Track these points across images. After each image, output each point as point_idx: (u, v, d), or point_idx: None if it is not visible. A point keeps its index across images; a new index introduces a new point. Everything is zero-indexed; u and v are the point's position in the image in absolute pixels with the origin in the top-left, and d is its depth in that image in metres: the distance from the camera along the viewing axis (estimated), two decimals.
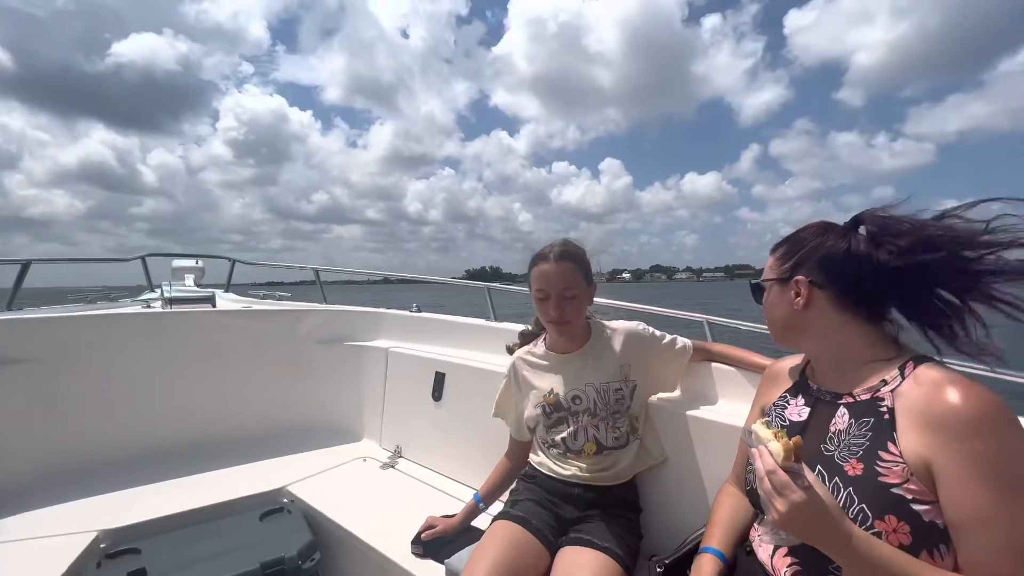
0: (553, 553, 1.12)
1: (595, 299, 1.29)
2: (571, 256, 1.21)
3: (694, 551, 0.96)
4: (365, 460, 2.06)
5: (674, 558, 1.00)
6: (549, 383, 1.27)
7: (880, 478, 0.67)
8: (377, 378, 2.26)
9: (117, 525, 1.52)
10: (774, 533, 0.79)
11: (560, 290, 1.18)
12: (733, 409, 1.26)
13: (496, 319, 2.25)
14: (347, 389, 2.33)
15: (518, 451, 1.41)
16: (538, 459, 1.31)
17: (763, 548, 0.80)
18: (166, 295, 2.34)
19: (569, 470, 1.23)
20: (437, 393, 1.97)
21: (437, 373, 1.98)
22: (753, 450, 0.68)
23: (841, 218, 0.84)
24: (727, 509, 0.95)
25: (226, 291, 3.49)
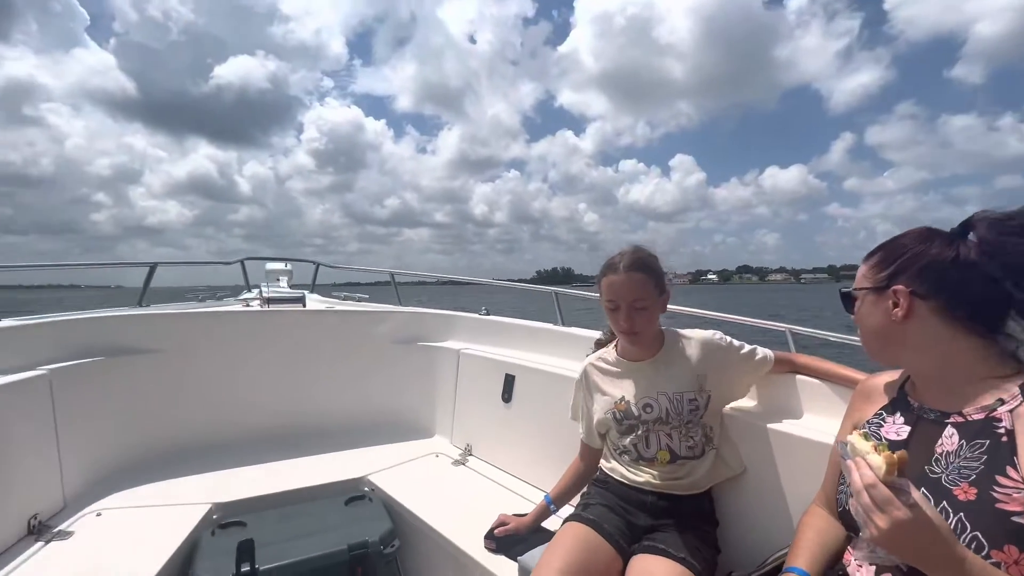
0: (625, 559, 1.12)
1: (668, 307, 1.27)
2: (641, 265, 1.19)
3: (777, 571, 0.92)
4: (437, 456, 2.16)
5: None
6: (620, 390, 1.27)
7: (998, 504, 0.61)
8: (449, 378, 2.36)
9: (226, 500, 1.70)
10: (871, 552, 0.74)
11: (630, 301, 1.18)
12: (820, 424, 1.20)
13: (564, 323, 2.27)
14: (421, 387, 2.45)
15: (589, 456, 1.42)
16: (610, 465, 1.32)
17: (862, 571, 0.76)
18: (264, 295, 2.59)
19: (642, 477, 1.22)
20: (507, 394, 2.02)
21: (507, 375, 2.04)
22: (848, 463, 0.65)
23: (953, 212, 0.74)
24: (814, 530, 0.91)
25: (311, 291, 3.79)
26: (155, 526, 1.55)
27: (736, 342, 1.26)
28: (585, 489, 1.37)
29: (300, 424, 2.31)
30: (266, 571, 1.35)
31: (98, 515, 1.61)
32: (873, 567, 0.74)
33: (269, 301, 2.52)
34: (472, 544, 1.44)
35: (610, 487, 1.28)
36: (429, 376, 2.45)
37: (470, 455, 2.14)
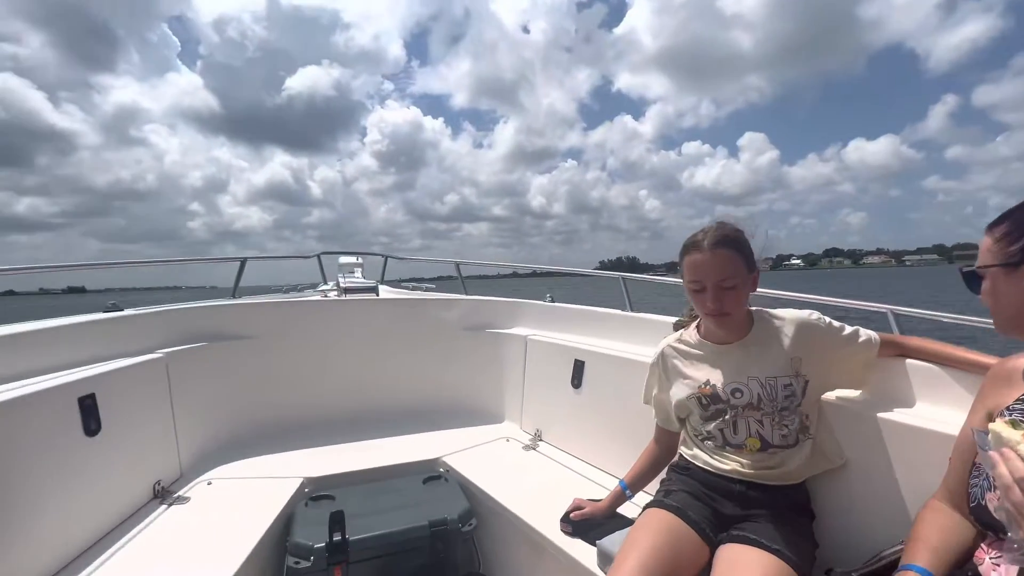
0: (712, 548, 1.08)
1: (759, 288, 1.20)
2: (728, 242, 1.12)
3: (890, 568, 0.85)
4: (508, 440, 2.19)
5: (863, 573, 0.90)
6: (704, 374, 1.22)
7: None
8: (517, 364, 2.38)
9: (316, 475, 1.83)
10: (1021, 554, 0.66)
11: (717, 280, 1.11)
12: (936, 413, 1.08)
13: (632, 309, 2.21)
14: (489, 373, 2.49)
15: (666, 440, 1.38)
16: (691, 452, 1.27)
17: (1000, 571, 0.68)
18: (342, 285, 2.73)
19: (728, 465, 1.16)
20: (576, 380, 2.01)
21: (576, 361, 2.02)
22: (991, 454, 0.58)
23: None
24: (935, 527, 0.82)
25: (381, 284, 3.97)
26: (256, 496, 1.69)
27: (836, 323, 1.17)
28: (664, 475, 1.33)
29: (377, 406, 2.43)
30: (355, 541, 1.44)
31: (209, 484, 1.79)
32: (1015, 568, 0.66)
33: (346, 291, 2.66)
34: (548, 526, 1.45)
35: (692, 473, 1.23)
36: (497, 362, 2.48)
37: (540, 440, 2.16)
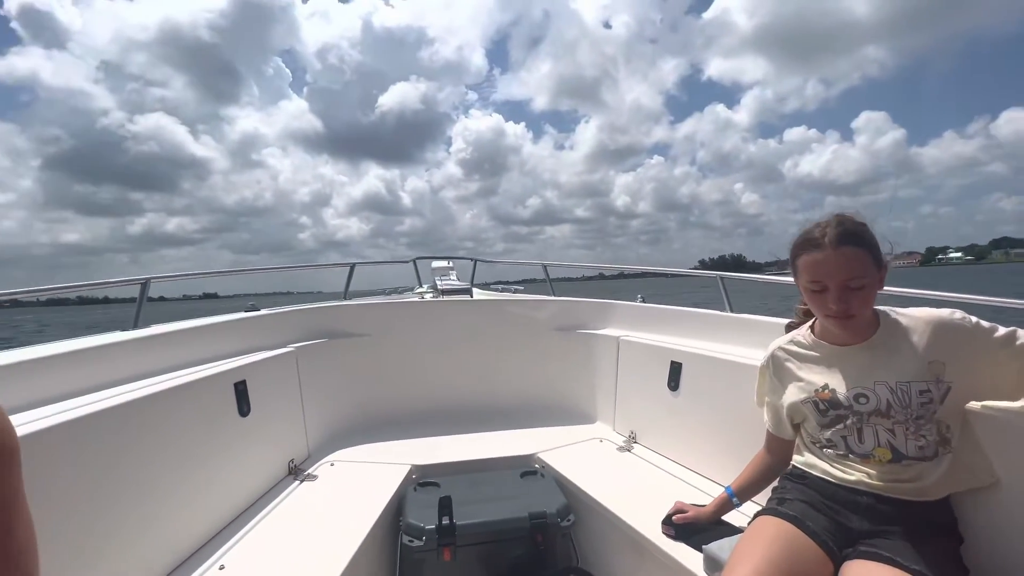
0: (836, 563, 1.01)
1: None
2: (853, 237, 1.03)
3: None
4: (602, 441, 2.20)
5: None
6: (822, 377, 1.14)
7: None
8: (609, 365, 2.37)
9: (423, 463, 1.97)
10: None
11: (842, 280, 1.02)
12: None
13: (732, 309, 2.11)
14: (581, 373, 2.51)
15: (778, 448, 1.30)
16: (805, 460, 1.19)
17: None
18: (439, 287, 2.91)
19: (853, 475, 1.08)
20: (673, 383, 1.96)
21: (673, 362, 1.97)
22: None
23: None
24: None
25: (471, 285, 4.15)
26: (372, 478, 1.87)
27: (985, 323, 1.03)
28: (777, 483, 1.26)
29: (474, 401, 2.55)
30: (462, 526, 1.53)
31: (332, 465, 2.00)
32: None
33: (444, 293, 2.83)
34: (649, 528, 1.44)
35: (810, 483, 1.15)
36: (589, 363, 2.49)
37: (635, 442, 2.13)
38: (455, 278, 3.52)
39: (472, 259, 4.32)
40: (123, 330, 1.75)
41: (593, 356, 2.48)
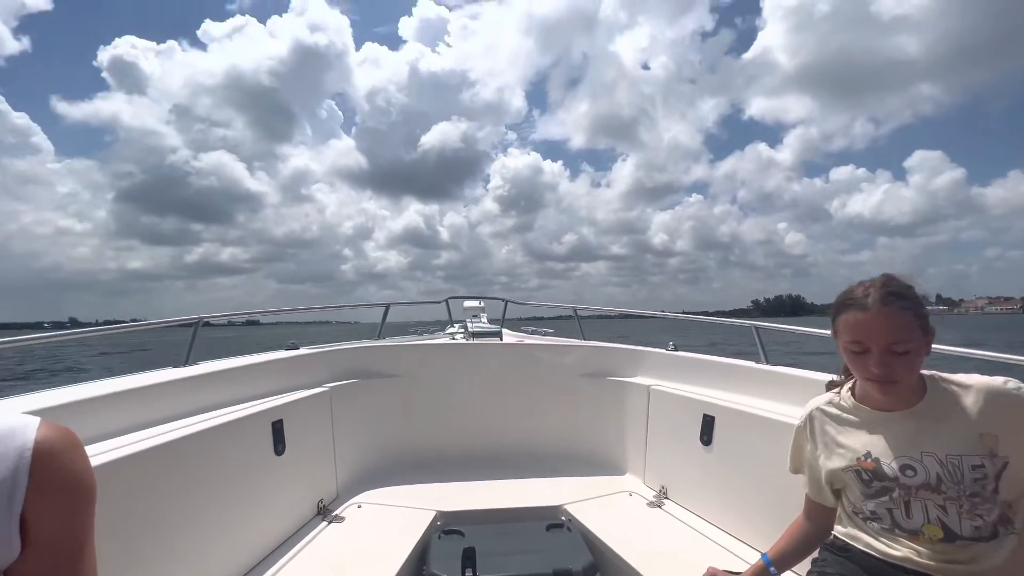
0: None
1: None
2: (899, 299, 1.00)
3: None
4: (631, 495, 2.13)
5: None
6: (864, 444, 1.09)
7: None
8: (639, 414, 2.32)
9: (448, 509, 1.96)
10: None
11: (886, 345, 0.99)
12: None
13: (767, 361, 2.05)
14: (610, 422, 2.46)
15: (819, 515, 1.24)
16: (847, 531, 1.13)
17: None
18: (470, 329, 2.96)
19: (900, 551, 1.01)
20: (706, 436, 1.90)
21: (705, 415, 1.92)
22: None
23: None
24: None
25: (501, 326, 4.18)
26: (398, 522, 1.87)
27: None
28: (817, 554, 1.19)
29: (501, 447, 2.53)
30: None
31: (359, 507, 2.02)
32: None
33: (474, 335, 2.88)
34: None
35: (853, 557, 1.09)
36: (618, 411, 2.45)
37: (666, 498, 2.06)
38: (485, 320, 3.57)
39: (503, 299, 4.37)
40: (175, 365, 1.87)
41: (623, 405, 2.44)
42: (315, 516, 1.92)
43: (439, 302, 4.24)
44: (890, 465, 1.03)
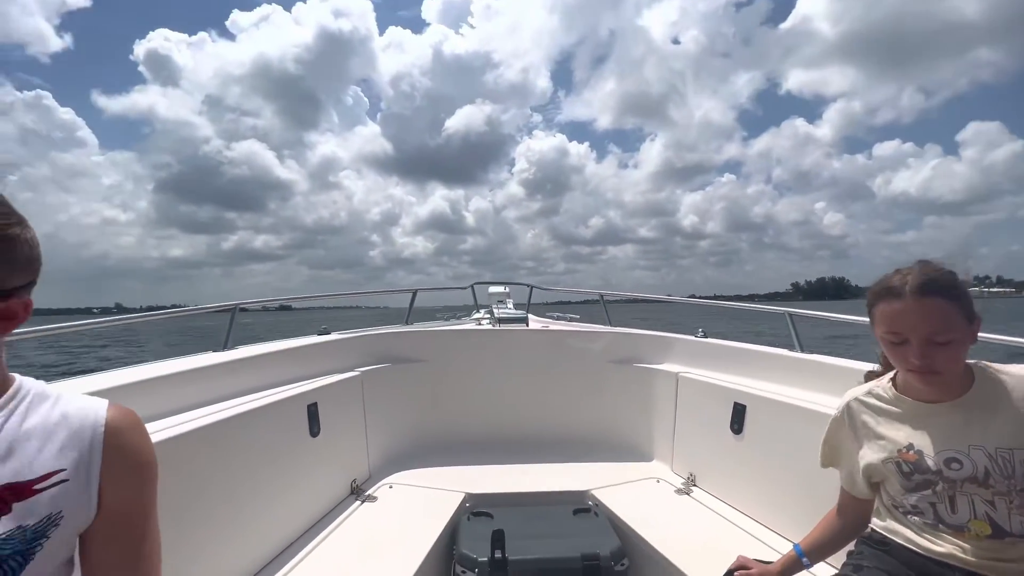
0: None
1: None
2: (939, 287, 0.95)
3: None
4: (659, 481, 2.12)
5: None
6: (905, 436, 1.05)
7: None
8: (667, 402, 2.30)
9: (477, 491, 2.00)
10: None
11: (926, 335, 0.95)
12: None
13: (802, 349, 1.99)
14: (637, 409, 2.45)
15: (854, 508, 1.21)
16: (886, 524, 1.10)
17: None
18: (496, 315, 2.98)
19: (943, 547, 0.98)
20: (737, 425, 1.87)
21: (736, 404, 1.89)
22: None
23: None
24: None
25: (527, 312, 4.18)
26: (428, 503, 1.92)
27: None
28: (853, 547, 1.17)
29: (527, 431, 2.56)
30: (514, 561, 1.53)
31: (390, 487, 2.08)
32: None
33: (500, 321, 2.89)
34: None
35: (892, 551, 1.06)
36: (646, 398, 2.43)
37: (694, 485, 2.04)
38: (511, 306, 3.58)
39: (528, 285, 4.37)
40: (215, 349, 1.95)
41: (651, 391, 2.42)
42: (348, 495, 1.99)
43: (465, 287, 4.27)
44: (934, 458, 1.00)
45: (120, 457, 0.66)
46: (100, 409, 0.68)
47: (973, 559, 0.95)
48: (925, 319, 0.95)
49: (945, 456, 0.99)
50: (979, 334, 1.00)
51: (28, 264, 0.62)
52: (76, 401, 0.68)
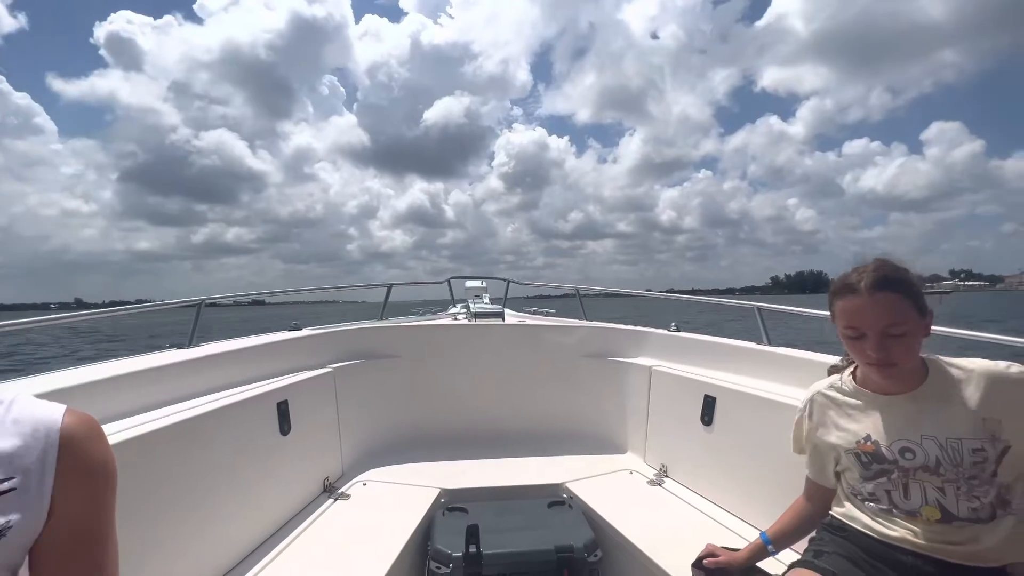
0: None
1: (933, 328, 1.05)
2: (892, 283, 1.00)
3: None
4: (631, 473, 2.16)
5: None
6: (863, 427, 1.10)
7: None
8: (640, 395, 2.34)
9: (452, 487, 2.00)
10: None
11: (881, 328, 0.99)
12: None
13: (769, 343, 2.05)
14: (611, 402, 2.49)
15: (818, 496, 1.25)
16: (845, 511, 1.14)
17: None
18: (472, 310, 2.96)
19: (896, 532, 1.03)
20: (707, 417, 1.92)
21: (707, 396, 1.93)
22: None
23: None
24: None
25: (503, 307, 4.18)
26: (402, 500, 1.91)
27: None
28: (815, 534, 1.21)
29: (503, 426, 2.57)
30: (488, 555, 1.54)
31: (364, 484, 2.06)
32: None
33: (476, 315, 2.88)
34: (678, 570, 1.41)
35: (850, 537, 1.10)
36: (619, 391, 2.47)
37: (666, 476, 2.09)
38: (488, 301, 3.57)
39: (505, 280, 4.36)
40: (179, 346, 1.88)
41: (624, 385, 2.45)
42: (321, 493, 1.96)
43: (441, 282, 4.24)
44: (889, 448, 1.04)
45: (76, 466, 0.63)
46: (56, 415, 0.65)
47: (924, 542, 1.00)
48: (880, 313, 0.99)
49: (900, 446, 1.03)
50: (931, 327, 1.05)
51: None
52: (30, 406, 0.65)
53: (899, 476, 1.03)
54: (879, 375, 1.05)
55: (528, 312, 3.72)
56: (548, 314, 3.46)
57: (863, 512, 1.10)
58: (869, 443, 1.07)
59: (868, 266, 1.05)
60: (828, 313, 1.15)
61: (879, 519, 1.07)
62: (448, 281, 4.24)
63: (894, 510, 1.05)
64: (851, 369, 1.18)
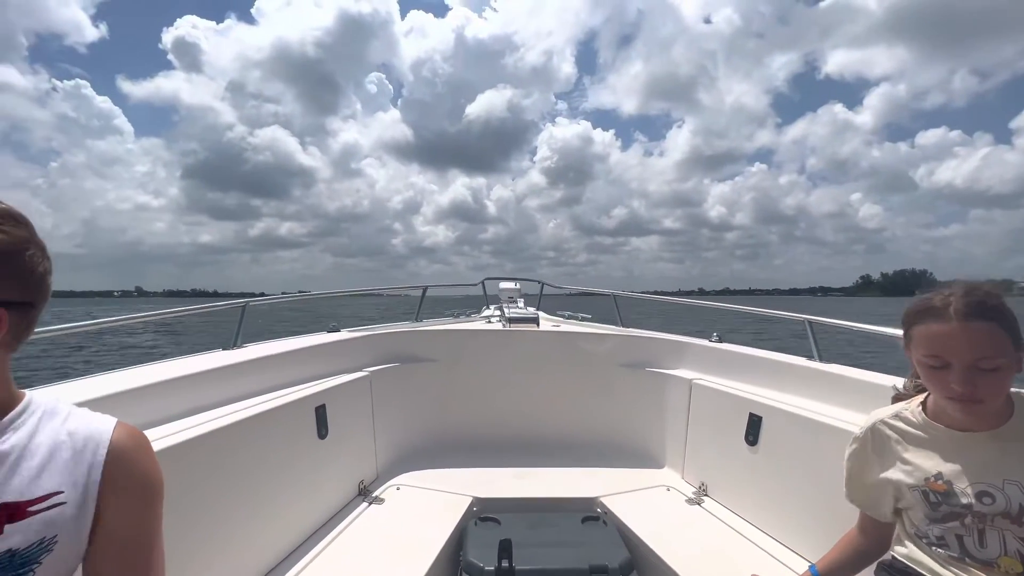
0: None
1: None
2: (987, 310, 0.89)
3: None
4: (669, 490, 2.09)
5: None
6: (934, 464, 1.00)
7: None
8: (679, 408, 2.26)
9: (484, 496, 1.99)
10: None
11: (971, 360, 0.89)
12: None
13: (821, 359, 1.93)
14: (648, 415, 2.41)
15: (874, 531, 1.16)
16: (910, 552, 1.05)
17: None
18: (507, 315, 2.95)
19: None
20: (752, 436, 1.83)
21: (751, 414, 1.84)
22: None
23: None
24: None
25: (537, 309, 4.15)
26: (435, 506, 1.91)
27: None
28: (873, 574, 1.12)
29: (537, 434, 2.54)
30: (521, 571, 1.52)
31: (397, 488, 2.08)
32: None
33: (511, 320, 2.86)
34: None
35: None
36: (657, 404, 2.39)
37: (706, 495, 2.01)
38: (523, 304, 3.55)
39: (539, 281, 4.32)
40: (225, 347, 1.95)
41: (663, 397, 2.37)
42: (356, 496, 1.99)
43: (475, 284, 4.25)
44: (964, 490, 0.95)
45: (123, 480, 0.65)
46: (106, 429, 0.67)
47: None
48: (971, 344, 0.89)
49: (978, 488, 0.94)
50: None
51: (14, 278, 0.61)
52: (84, 419, 0.67)
53: (973, 521, 0.94)
54: (960, 411, 0.94)
55: (563, 316, 3.67)
56: (584, 319, 3.40)
57: (931, 557, 1.01)
58: (940, 482, 0.98)
59: (956, 289, 0.94)
60: (884, 330, 1.05)
61: (950, 567, 0.97)
62: (483, 283, 4.24)
63: (967, 559, 0.95)
64: (920, 399, 1.08)
